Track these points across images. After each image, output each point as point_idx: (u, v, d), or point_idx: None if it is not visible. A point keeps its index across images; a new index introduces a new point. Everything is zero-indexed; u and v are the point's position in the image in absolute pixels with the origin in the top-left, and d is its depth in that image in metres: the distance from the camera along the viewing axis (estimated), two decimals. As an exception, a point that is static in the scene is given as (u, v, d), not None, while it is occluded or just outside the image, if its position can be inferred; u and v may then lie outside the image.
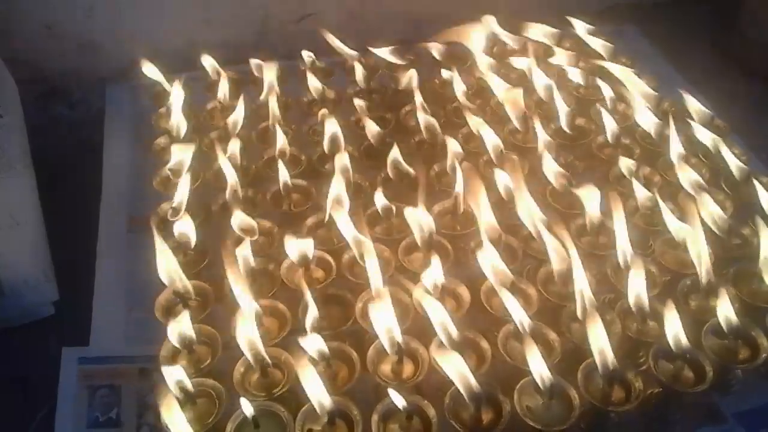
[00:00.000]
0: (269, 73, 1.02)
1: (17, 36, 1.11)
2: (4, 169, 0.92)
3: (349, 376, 0.72)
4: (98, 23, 1.16)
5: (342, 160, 0.88)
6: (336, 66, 1.10)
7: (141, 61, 1.03)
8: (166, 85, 1.03)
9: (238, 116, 0.97)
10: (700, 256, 0.77)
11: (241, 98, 0.99)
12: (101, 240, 0.93)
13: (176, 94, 0.98)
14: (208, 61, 1.06)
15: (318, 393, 0.66)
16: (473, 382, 0.67)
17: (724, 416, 0.75)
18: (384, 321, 0.71)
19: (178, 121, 0.95)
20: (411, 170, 0.90)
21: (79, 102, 1.21)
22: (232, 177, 0.87)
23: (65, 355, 0.80)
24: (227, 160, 0.88)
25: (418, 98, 0.98)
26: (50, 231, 0.95)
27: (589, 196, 0.83)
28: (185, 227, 0.82)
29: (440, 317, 0.71)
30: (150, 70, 1.03)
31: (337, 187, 0.84)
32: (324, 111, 0.97)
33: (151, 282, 0.78)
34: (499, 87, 1.01)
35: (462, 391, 0.67)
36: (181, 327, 0.73)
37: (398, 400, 0.67)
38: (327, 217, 0.83)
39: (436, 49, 1.10)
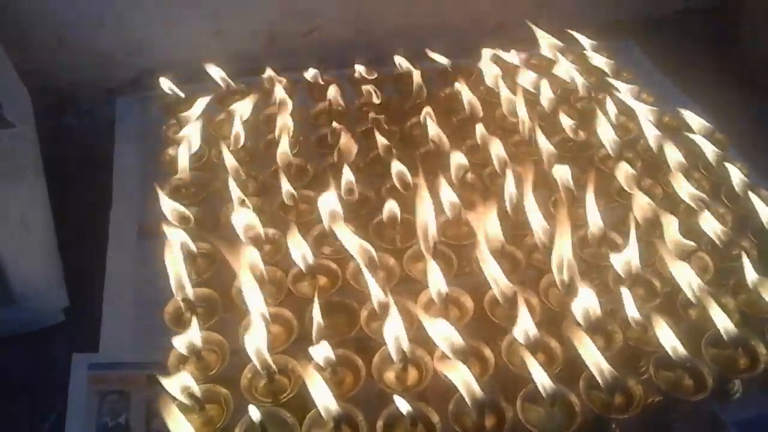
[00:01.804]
0: (280, 89, 1.04)
1: (29, 47, 1.13)
2: (16, 177, 0.93)
3: (355, 383, 0.73)
4: (109, 35, 1.18)
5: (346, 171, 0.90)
6: (343, 78, 1.11)
7: (156, 75, 1.04)
8: (180, 96, 1.05)
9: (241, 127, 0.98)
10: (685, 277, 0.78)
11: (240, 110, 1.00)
12: (111, 247, 0.94)
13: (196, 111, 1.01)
14: (217, 73, 1.08)
15: (324, 399, 0.68)
16: (476, 389, 0.68)
17: (725, 425, 0.76)
18: (392, 330, 0.72)
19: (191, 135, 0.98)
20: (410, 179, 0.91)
21: (90, 112, 1.22)
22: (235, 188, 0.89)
23: (75, 361, 0.81)
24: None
25: (426, 109, 1.00)
26: (61, 238, 0.97)
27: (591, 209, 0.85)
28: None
29: (444, 330, 0.72)
30: (165, 83, 1.05)
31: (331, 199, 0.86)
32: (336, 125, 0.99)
33: (161, 289, 0.79)
34: (505, 99, 1.03)
35: (466, 398, 0.68)
36: (188, 335, 0.74)
37: (403, 406, 0.68)
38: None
39: (442, 61, 1.12)
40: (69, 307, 0.93)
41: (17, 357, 0.89)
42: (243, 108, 1.01)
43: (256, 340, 0.72)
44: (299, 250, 0.81)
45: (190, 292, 0.78)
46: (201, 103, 1.01)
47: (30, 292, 0.89)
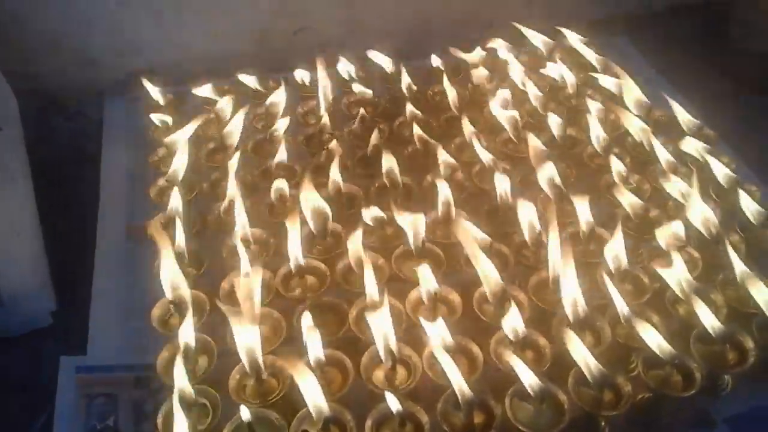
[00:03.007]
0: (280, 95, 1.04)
1: (17, 49, 1.13)
2: (3, 180, 0.93)
3: (343, 383, 0.73)
4: (97, 37, 1.17)
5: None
6: (332, 77, 1.11)
7: (145, 76, 1.04)
8: (161, 100, 1.05)
9: (235, 130, 0.98)
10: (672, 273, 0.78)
11: (240, 112, 1.00)
12: (99, 250, 0.93)
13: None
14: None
15: (315, 398, 0.67)
16: (465, 388, 0.68)
17: (715, 421, 0.76)
18: (380, 329, 0.72)
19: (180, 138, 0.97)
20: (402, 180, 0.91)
21: (78, 114, 1.22)
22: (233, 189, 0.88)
23: (63, 363, 0.81)
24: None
25: (410, 108, 1.00)
26: (48, 241, 0.96)
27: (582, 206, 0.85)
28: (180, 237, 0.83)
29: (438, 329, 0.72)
30: (148, 86, 1.05)
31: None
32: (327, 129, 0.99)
33: (149, 291, 0.79)
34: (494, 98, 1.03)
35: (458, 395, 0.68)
36: (187, 336, 0.74)
37: (393, 404, 0.68)
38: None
39: (430, 59, 1.12)
40: (57, 310, 0.92)
41: (4, 360, 0.89)
42: (225, 109, 1.00)
43: (247, 341, 0.71)
44: (294, 249, 0.81)
45: (182, 292, 0.78)
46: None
47: (17, 296, 0.89)
